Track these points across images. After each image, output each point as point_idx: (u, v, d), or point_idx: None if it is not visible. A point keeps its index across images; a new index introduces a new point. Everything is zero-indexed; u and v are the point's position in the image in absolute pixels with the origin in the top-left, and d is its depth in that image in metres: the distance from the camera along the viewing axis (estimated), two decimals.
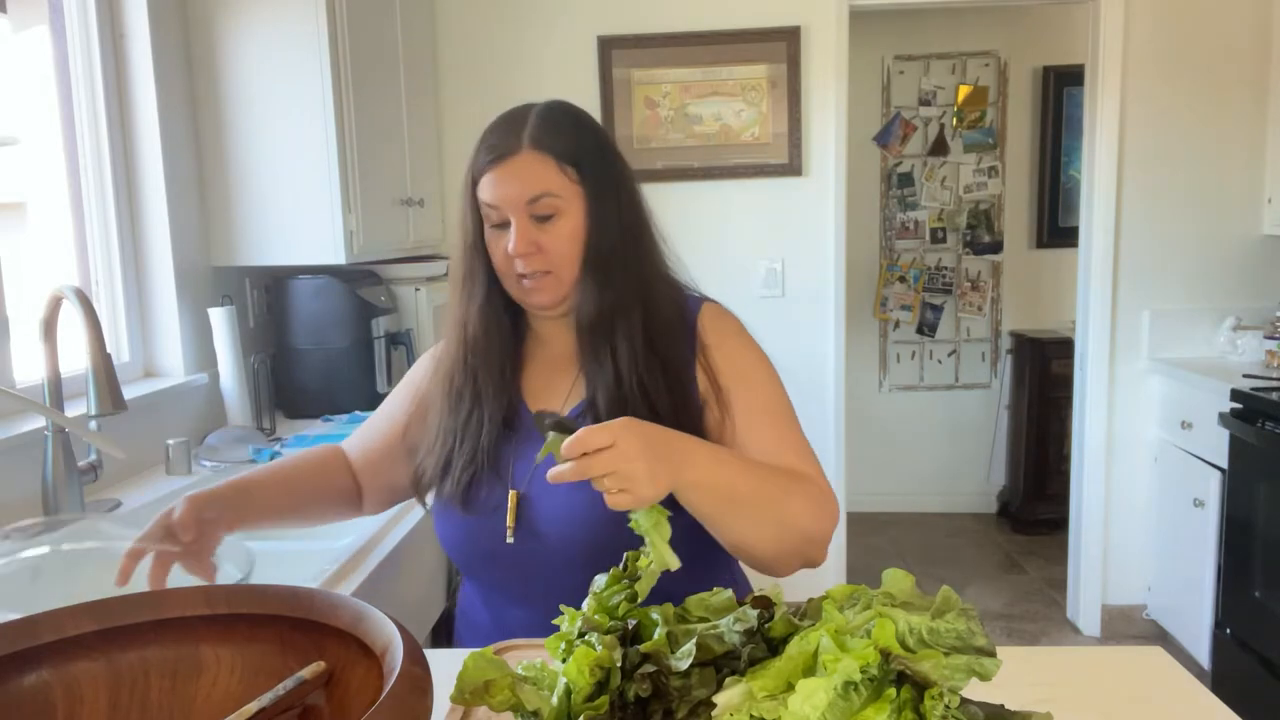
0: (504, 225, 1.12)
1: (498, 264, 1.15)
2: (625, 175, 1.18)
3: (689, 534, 1.07)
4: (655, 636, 0.69)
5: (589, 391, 1.14)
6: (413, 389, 1.29)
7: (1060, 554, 3.60)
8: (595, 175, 1.13)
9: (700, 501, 0.98)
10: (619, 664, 0.66)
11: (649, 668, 0.65)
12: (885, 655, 0.58)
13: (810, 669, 0.60)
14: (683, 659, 0.66)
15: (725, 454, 1.03)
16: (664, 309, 1.17)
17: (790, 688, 0.59)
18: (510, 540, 1.12)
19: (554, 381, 1.20)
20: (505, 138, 1.12)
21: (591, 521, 1.09)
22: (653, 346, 1.14)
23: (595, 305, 1.13)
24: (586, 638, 0.69)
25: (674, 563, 0.87)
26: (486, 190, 1.11)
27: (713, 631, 0.69)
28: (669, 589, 0.85)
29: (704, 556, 1.14)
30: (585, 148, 1.13)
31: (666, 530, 0.90)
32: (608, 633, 0.70)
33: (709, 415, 1.14)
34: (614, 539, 1.03)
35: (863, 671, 0.57)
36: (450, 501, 1.15)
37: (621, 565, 0.78)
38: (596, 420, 1.08)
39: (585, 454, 0.88)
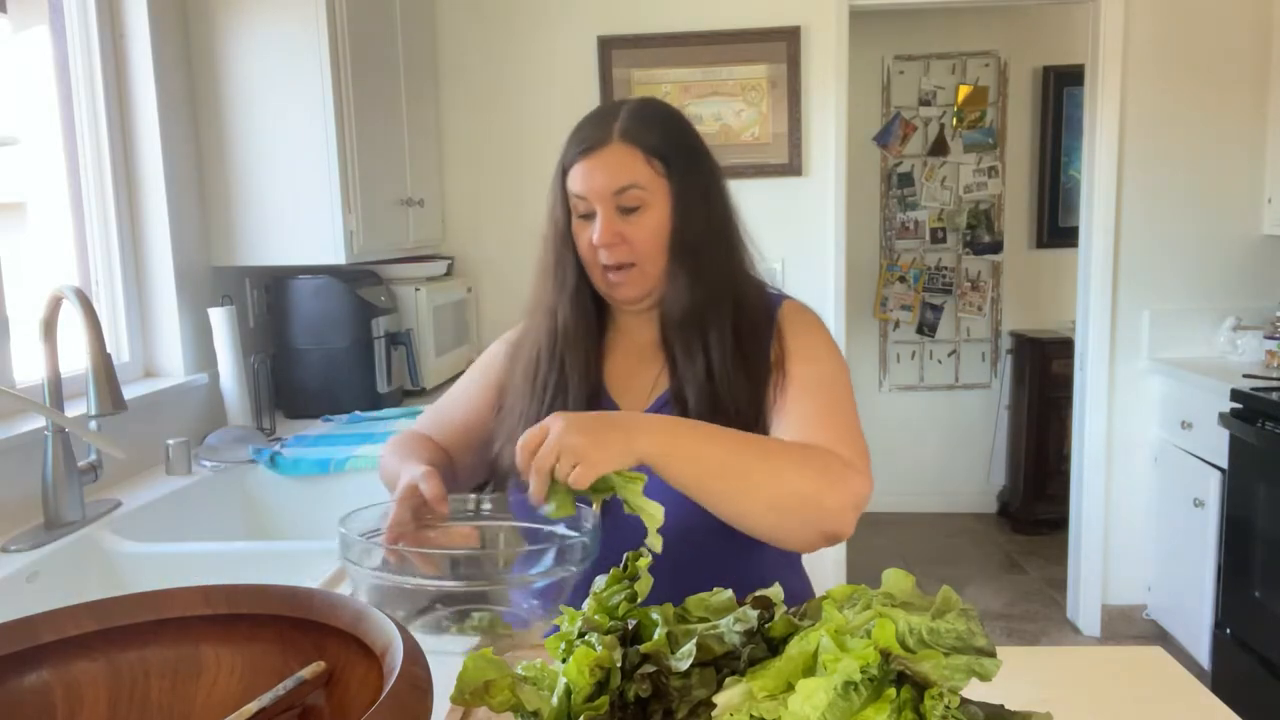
0: (590, 216, 1.15)
1: (583, 254, 1.17)
2: (714, 173, 1.21)
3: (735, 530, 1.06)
4: (655, 637, 0.69)
5: (674, 384, 1.16)
6: (490, 380, 1.29)
7: (1060, 554, 3.60)
8: (682, 170, 1.16)
9: (677, 472, 0.98)
10: (619, 664, 0.66)
11: (649, 668, 0.65)
12: (885, 655, 0.58)
13: (810, 669, 0.60)
14: (683, 659, 0.66)
15: (694, 424, 1.04)
16: (750, 304, 1.20)
17: (790, 688, 0.59)
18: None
19: (637, 372, 1.22)
20: (596, 130, 1.15)
21: (680, 517, 1.09)
22: (740, 342, 1.16)
23: (687, 300, 1.15)
24: (586, 638, 0.69)
25: (657, 512, 0.89)
26: (575, 181, 1.15)
27: (713, 632, 0.69)
28: (721, 583, 0.85)
29: (726, 552, 1.15)
30: (673, 143, 1.16)
31: (640, 484, 0.91)
32: (608, 633, 0.70)
33: (769, 394, 1.16)
34: (704, 534, 1.05)
35: (863, 671, 0.57)
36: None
37: (622, 565, 0.78)
38: (684, 413, 1.12)
39: (530, 453, 0.91)
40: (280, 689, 0.60)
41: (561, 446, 0.91)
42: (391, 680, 0.54)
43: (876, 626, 0.60)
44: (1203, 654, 2.87)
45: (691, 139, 1.19)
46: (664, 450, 0.97)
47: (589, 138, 1.15)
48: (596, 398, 1.19)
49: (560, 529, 1.02)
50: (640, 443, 0.95)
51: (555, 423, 0.93)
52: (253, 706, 0.59)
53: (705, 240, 1.17)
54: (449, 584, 0.94)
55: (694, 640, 0.67)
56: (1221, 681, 2.77)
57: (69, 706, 0.62)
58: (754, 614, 0.69)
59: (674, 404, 1.16)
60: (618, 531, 1.03)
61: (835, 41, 3.02)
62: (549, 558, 0.96)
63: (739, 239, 1.22)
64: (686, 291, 1.15)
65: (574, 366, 1.18)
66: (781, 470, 1.00)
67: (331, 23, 2.20)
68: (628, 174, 1.13)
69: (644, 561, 0.77)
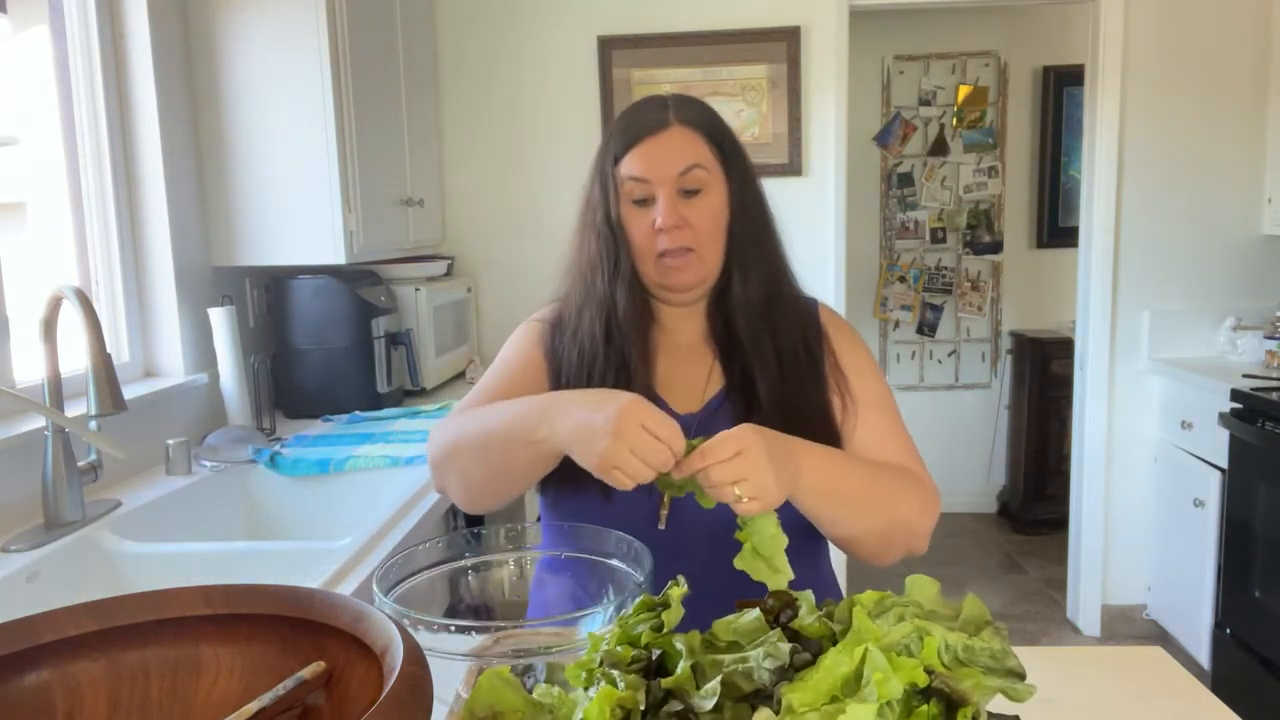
0: (646, 202, 1.12)
1: (637, 242, 1.14)
2: (754, 168, 1.20)
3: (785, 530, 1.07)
4: (679, 669, 0.64)
5: (731, 380, 1.15)
6: (536, 355, 1.22)
7: (1060, 554, 3.60)
8: (735, 159, 1.16)
9: (812, 501, 0.99)
10: (641, 707, 0.61)
11: (675, 705, 0.61)
12: (929, 673, 0.58)
13: (850, 684, 0.59)
14: (707, 698, 0.61)
15: (835, 454, 1.04)
16: (799, 302, 1.22)
17: (832, 700, 0.58)
18: (662, 527, 1.09)
19: (683, 370, 1.20)
20: (652, 114, 1.14)
21: (715, 522, 1.08)
22: (805, 341, 1.18)
23: (757, 293, 1.15)
24: (606, 670, 0.64)
25: (789, 574, 0.88)
26: (635, 164, 1.12)
27: (741, 667, 0.64)
28: (753, 588, 0.84)
29: (795, 554, 1.14)
30: (724, 132, 1.17)
31: (784, 540, 0.89)
32: (631, 663, 0.65)
33: (835, 402, 1.17)
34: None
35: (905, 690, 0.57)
36: (593, 485, 1.11)
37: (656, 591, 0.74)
38: (747, 410, 1.11)
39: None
40: (280, 689, 0.60)
41: (747, 474, 0.87)
42: (391, 680, 0.54)
43: (924, 644, 0.60)
44: (1203, 654, 2.87)
45: (734, 133, 1.19)
46: (815, 485, 0.97)
47: (648, 121, 1.13)
48: (649, 397, 1.15)
49: (614, 561, 0.95)
50: (803, 479, 0.95)
51: (751, 443, 0.88)
52: (253, 706, 0.59)
53: (761, 230, 1.17)
54: (491, 646, 0.80)
55: (719, 678, 0.62)
56: (1221, 681, 2.77)
57: (69, 706, 0.62)
58: (785, 649, 0.65)
59: (733, 401, 1.14)
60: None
61: (835, 41, 3.02)
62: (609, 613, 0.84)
63: (780, 235, 1.22)
64: (755, 283, 1.15)
65: (635, 359, 1.14)
66: (897, 501, 1.06)
67: (331, 23, 2.20)
68: (691, 154, 1.12)
69: (678, 591, 0.71)
